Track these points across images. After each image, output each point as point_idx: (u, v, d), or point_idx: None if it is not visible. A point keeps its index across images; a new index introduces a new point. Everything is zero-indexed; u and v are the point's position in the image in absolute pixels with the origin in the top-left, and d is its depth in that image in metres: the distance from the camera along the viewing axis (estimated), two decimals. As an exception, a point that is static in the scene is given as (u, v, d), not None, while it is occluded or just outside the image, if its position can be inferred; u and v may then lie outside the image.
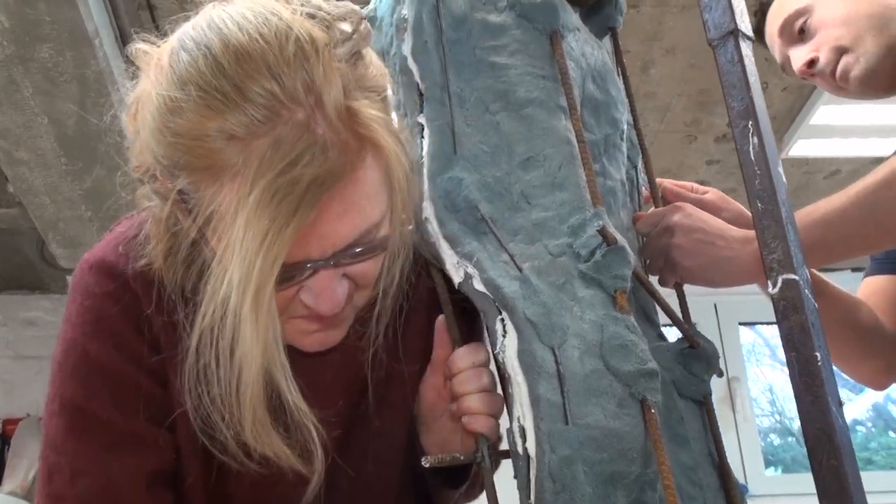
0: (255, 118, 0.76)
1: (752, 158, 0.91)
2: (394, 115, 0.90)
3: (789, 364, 0.83)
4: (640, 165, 1.21)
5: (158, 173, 0.85)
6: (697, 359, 1.04)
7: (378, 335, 0.99)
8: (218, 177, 0.78)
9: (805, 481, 3.96)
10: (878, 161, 3.89)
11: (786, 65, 1.54)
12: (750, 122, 0.92)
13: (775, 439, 5.03)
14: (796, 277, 0.85)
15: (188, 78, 0.79)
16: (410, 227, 0.93)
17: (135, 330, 0.93)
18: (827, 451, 0.78)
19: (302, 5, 0.82)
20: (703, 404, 1.06)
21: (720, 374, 1.07)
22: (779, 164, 0.91)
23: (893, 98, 1.50)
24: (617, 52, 1.22)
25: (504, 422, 0.92)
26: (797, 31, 1.51)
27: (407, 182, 0.88)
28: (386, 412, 1.05)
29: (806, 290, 0.84)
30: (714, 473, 1.02)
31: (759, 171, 0.90)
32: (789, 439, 5.10)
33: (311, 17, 0.82)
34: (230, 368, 0.82)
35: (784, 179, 0.91)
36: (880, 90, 1.47)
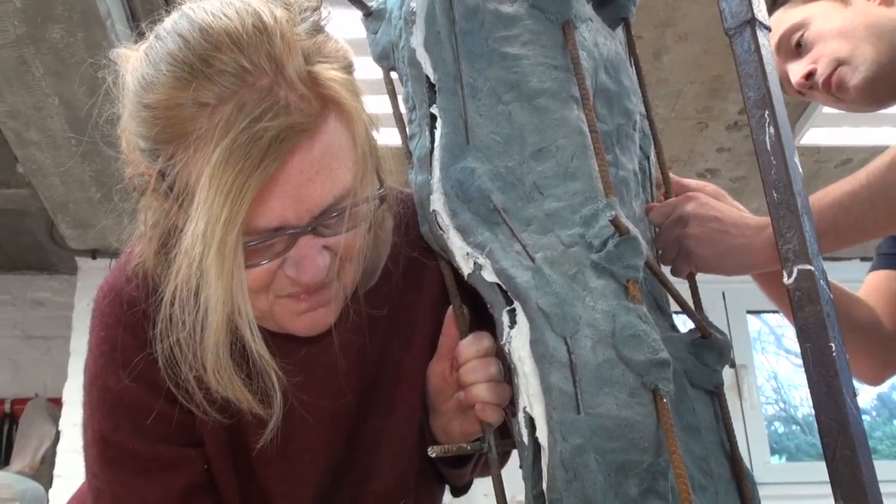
0: (222, 85, 0.81)
1: (768, 148, 0.90)
2: (358, 85, 0.93)
3: (804, 354, 0.83)
4: (652, 156, 1.20)
5: (142, 161, 0.89)
6: (710, 349, 1.04)
7: (382, 318, 1.01)
8: (190, 144, 0.82)
9: (809, 469, 4.00)
10: (890, 150, 3.87)
11: (783, 81, 1.52)
12: (766, 112, 0.91)
13: (779, 427, 5.05)
14: (812, 268, 0.85)
15: (160, 58, 0.85)
16: (384, 197, 0.95)
17: (149, 354, 0.94)
18: (841, 441, 0.78)
19: None
20: (715, 394, 1.06)
21: (732, 365, 1.07)
22: (795, 155, 0.91)
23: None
24: (630, 43, 1.22)
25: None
26: (794, 46, 1.51)
27: (372, 145, 0.92)
28: (401, 394, 1.06)
29: (821, 281, 0.84)
30: (726, 463, 1.03)
31: (774, 162, 0.89)
32: (794, 427, 5.11)
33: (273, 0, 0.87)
34: (195, 315, 0.85)
35: (800, 170, 0.91)
36: (879, 100, 1.47)
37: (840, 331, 0.83)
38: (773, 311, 4.98)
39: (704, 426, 1.02)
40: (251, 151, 0.79)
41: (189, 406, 0.93)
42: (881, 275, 1.50)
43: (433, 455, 0.90)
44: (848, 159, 3.95)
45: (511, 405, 0.91)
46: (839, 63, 1.44)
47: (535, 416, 0.82)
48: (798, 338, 0.84)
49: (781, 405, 5.19)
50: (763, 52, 0.95)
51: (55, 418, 4.16)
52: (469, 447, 0.91)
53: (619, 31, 1.24)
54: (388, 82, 1.07)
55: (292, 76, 0.83)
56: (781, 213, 0.88)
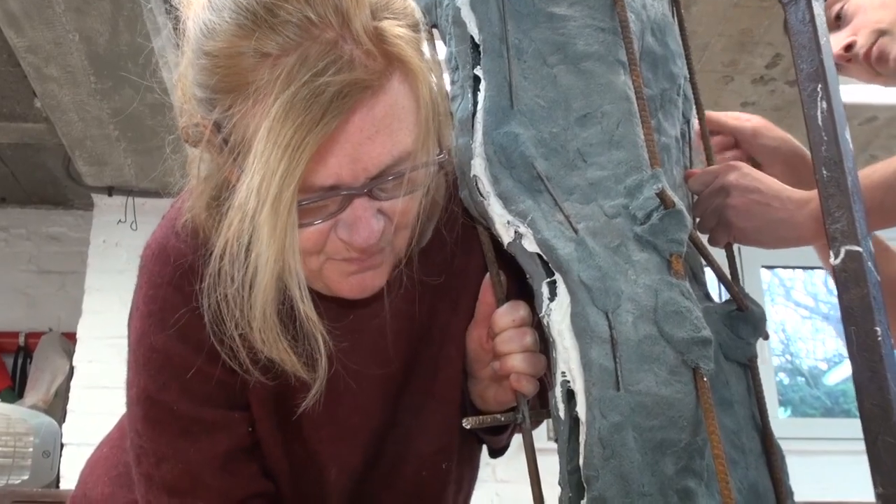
0: (287, 37, 0.79)
1: (820, 124, 0.88)
2: (425, 45, 0.90)
3: (847, 338, 0.82)
4: (693, 120, 1.18)
5: (197, 111, 0.87)
6: (745, 322, 1.03)
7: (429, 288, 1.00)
8: (249, 95, 0.80)
9: (815, 426, 4.00)
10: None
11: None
12: (819, 86, 0.89)
13: (785, 379, 5.06)
14: (860, 249, 0.83)
15: (223, 5, 0.82)
16: (442, 163, 0.93)
17: (198, 315, 0.93)
18: (883, 427, 0.77)
19: None
20: (749, 367, 1.05)
21: (766, 338, 1.06)
22: (847, 131, 0.89)
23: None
24: (676, 3, 1.18)
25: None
26: (834, 18, 1.46)
27: (437, 109, 0.89)
28: (446, 356, 1.06)
29: (869, 263, 0.82)
30: (756, 437, 1.02)
31: (826, 138, 0.87)
32: (799, 379, 5.13)
33: None
34: (245, 271, 0.84)
35: (851, 146, 0.88)
36: None
37: (886, 314, 0.82)
38: (788, 267, 4.98)
39: (737, 400, 1.02)
40: (312, 106, 0.77)
41: (231, 364, 0.92)
42: None
43: (468, 426, 0.90)
44: (874, 117, 3.90)
45: (547, 377, 0.91)
46: (880, 34, 1.40)
47: (576, 391, 0.81)
48: (843, 320, 0.83)
49: (788, 357, 5.21)
50: (818, 22, 0.92)
51: (69, 353, 4.19)
52: (503, 418, 0.91)
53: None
54: (430, 40, 1.05)
55: (358, 31, 0.80)
56: (831, 192, 0.86)
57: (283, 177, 0.78)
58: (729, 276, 1.05)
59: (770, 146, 1.24)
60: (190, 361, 0.95)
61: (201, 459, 0.97)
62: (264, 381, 0.93)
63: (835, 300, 5.34)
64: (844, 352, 5.48)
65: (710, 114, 1.24)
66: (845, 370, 5.36)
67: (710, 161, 1.17)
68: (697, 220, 1.14)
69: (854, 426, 4.59)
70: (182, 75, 0.89)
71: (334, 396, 0.97)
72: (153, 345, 0.96)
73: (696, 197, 1.14)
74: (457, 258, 1.04)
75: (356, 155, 0.81)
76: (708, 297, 1.09)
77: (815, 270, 5.09)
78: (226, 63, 0.81)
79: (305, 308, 0.84)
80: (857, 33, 1.44)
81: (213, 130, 0.85)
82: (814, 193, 1.08)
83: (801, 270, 5.13)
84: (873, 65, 1.43)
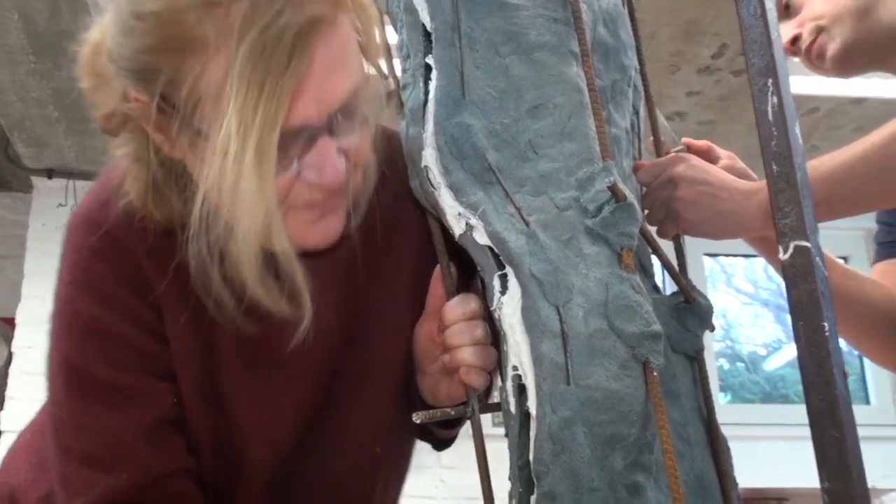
0: None
1: (770, 119, 0.88)
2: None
3: (795, 333, 0.82)
4: (641, 111, 1.18)
5: (131, 90, 0.84)
6: (692, 314, 1.03)
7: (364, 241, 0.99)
8: (201, 54, 0.77)
9: (754, 412, 4.06)
10: (858, 101, 3.89)
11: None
12: (770, 81, 0.89)
13: (725, 364, 5.15)
14: (808, 245, 0.83)
15: None
16: (389, 93, 0.94)
17: (124, 283, 0.92)
18: (830, 422, 0.78)
19: None
20: (695, 359, 1.05)
21: (712, 329, 1.06)
22: (797, 126, 0.89)
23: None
24: (628, -8, 1.18)
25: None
26: (783, 6, 1.48)
27: (380, 38, 0.90)
28: (379, 340, 1.05)
29: (817, 259, 0.83)
30: (702, 429, 1.03)
31: (776, 133, 0.87)
32: (738, 364, 5.22)
33: None
34: (231, 217, 0.82)
35: (801, 142, 0.89)
36: (852, 69, 1.45)
37: (833, 310, 0.83)
38: (730, 255, 5.06)
39: (684, 392, 1.02)
40: (277, 50, 0.76)
41: (210, 315, 0.90)
42: (889, 262, 1.50)
43: (418, 421, 0.89)
44: (815, 108, 3.95)
45: (498, 370, 0.90)
46: (821, 30, 1.42)
47: (527, 386, 0.80)
48: (791, 315, 0.83)
49: (728, 342, 5.30)
50: (769, 16, 0.92)
51: (7, 338, 4.10)
52: (453, 412, 0.90)
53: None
54: (381, 26, 1.03)
55: None
56: (780, 187, 0.86)
57: (264, 123, 0.76)
58: (677, 268, 1.06)
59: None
60: (114, 328, 0.93)
61: (123, 430, 0.93)
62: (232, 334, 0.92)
63: (774, 287, 5.46)
64: (783, 338, 5.61)
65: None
66: (784, 356, 5.46)
67: (658, 153, 1.17)
68: (646, 211, 1.14)
69: (792, 412, 4.69)
70: (100, 53, 0.86)
71: (265, 372, 0.95)
72: (77, 311, 0.93)
73: (644, 189, 1.14)
74: (391, 233, 1.03)
75: (320, 94, 0.81)
76: (656, 289, 1.09)
77: (756, 258, 5.17)
78: (169, 20, 0.78)
79: (284, 247, 0.84)
80: (802, 26, 1.45)
81: (156, 102, 0.82)
82: (761, 185, 1.09)
83: (741, 258, 5.22)
84: (812, 61, 1.45)
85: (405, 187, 0.99)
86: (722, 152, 1.29)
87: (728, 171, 1.26)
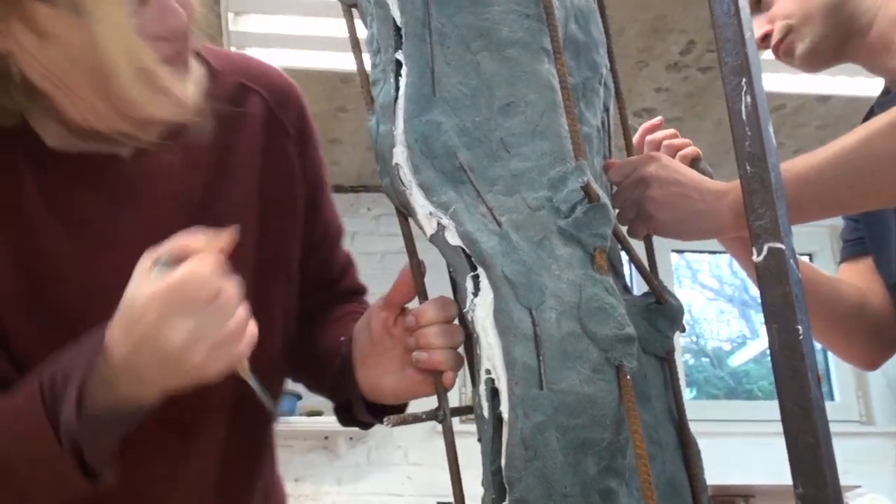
0: None
1: (744, 118, 0.87)
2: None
3: (770, 336, 0.81)
4: (612, 109, 1.17)
5: None
6: (663, 315, 1.02)
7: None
8: None
9: (719, 408, 4.09)
10: (823, 98, 3.92)
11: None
12: (744, 80, 0.88)
13: (690, 359, 5.18)
14: (782, 246, 0.82)
15: None
16: None
17: None
18: (804, 427, 0.77)
19: None
20: (666, 360, 1.04)
21: (683, 330, 1.06)
22: (770, 125, 0.88)
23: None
24: (599, -13, 1.17)
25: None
26: (755, 1, 1.48)
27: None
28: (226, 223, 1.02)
29: (791, 261, 0.82)
30: (673, 431, 1.02)
31: (750, 133, 0.86)
32: (703, 360, 5.26)
33: None
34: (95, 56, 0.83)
35: (774, 142, 0.88)
36: (819, 66, 1.47)
37: (807, 313, 0.82)
38: (697, 251, 5.10)
39: (654, 394, 1.01)
40: None
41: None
42: (855, 260, 1.51)
43: (389, 426, 0.87)
44: (782, 105, 3.98)
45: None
46: (790, 29, 1.43)
47: (500, 389, 0.79)
48: (765, 318, 0.82)
49: (693, 338, 5.34)
50: (743, 15, 0.91)
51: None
52: (425, 416, 0.88)
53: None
54: (349, 20, 1.01)
55: None
56: (754, 188, 0.86)
57: None
58: (648, 268, 1.05)
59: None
60: None
61: None
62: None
63: (738, 282, 5.50)
64: (748, 333, 5.66)
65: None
66: (749, 352, 5.51)
67: (629, 151, 1.16)
68: (617, 211, 1.13)
69: (758, 408, 4.72)
70: None
71: (98, 282, 0.93)
72: None
73: (615, 187, 1.13)
74: (231, 133, 1.04)
75: None
76: (626, 289, 1.08)
77: (722, 254, 5.21)
78: None
79: (154, 65, 0.86)
80: (772, 23, 1.46)
81: None
82: (732, 185, 1.08)
83: (707, 254, 5.26)
84: (781, 57, 1.46)
85: (241, 90, 1.02)
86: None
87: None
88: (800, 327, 0.80)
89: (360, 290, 1.30)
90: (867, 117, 1.50)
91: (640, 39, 3.44)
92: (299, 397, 3.97)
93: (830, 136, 4.13)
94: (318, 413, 3.99)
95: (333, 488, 4.14)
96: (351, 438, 4.21)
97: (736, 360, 5.53)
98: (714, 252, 5.15)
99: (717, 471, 3.72)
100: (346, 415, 1.11)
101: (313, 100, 3.83)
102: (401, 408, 1.07)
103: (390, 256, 4.56)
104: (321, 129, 4.59)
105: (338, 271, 1.26)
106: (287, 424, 3.90)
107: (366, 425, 1.12)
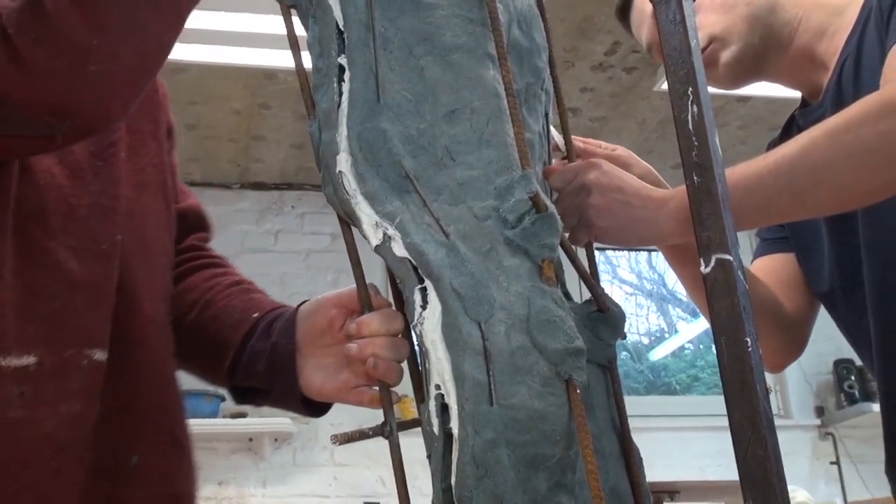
0: None
1: (691, 128, 0.87)
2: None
3: (718, 348, 0.81)
4: (551, 114, 1.16)
5: None
6: (606, 323, 1.02)
7: None
8: None
9: (639, 404, 4.14)
10: (744, 99, 3.98)
11: (653, 47, 1.49)
12: (690, 90, 0.88)
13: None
14: (730, 258, 0.83)
15: None
16: None
17: None
18: (753, 440, 0.77)
19: None
20: (608, 369, 1.04)
21: (624, 337, 1.05)
22: (716, 135, 0.88)
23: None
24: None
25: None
26: None
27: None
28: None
29: (739, 272, 0.82)
30: (616, 440, 1.01)
31: (696, 143, 0.86)
32: (623, 354, 5.34)
33: None
34: None
35: (720, 152, 0.88)
36: (741, 81, 1.46)
37: (755, 324, 0.82)
38: (616, 249, 5.18)
39: (598, 403, 1.00)
40: None
41: None
42: (770, 259, 1.51)
43: (336, 444, 0.85)
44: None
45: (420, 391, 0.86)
46: (713, 39, 1.42)
47: (450, 405, 0.77)
48: (713, 329, 0.82)
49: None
50: (688, 23, 0.91)
51: None
52: (371, 432, 0.86)
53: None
54: (288, 20, 0.97)
55: None
56: (701, 199, 0.86)
57: None
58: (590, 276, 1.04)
59: (635, 175, 1.25)
60: None
61: None
62: None
63: (656, 277, 5.60)
64: (665, 327, 5.76)
65: (578, 142, 1.22)
66: (668, 347, 5.62)
67: (570, 158, 1.16)
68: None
69: (679, 403, 4.79)
70: None
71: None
72: None
73: (556, 193, 1.12)
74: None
75: None
76: (568, 296, 1.08)
77: (639, 250, 5.31)
78: None
79: None
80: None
81: None
82: (674, 192, 1.08)
83: (626, 250, 5.35)
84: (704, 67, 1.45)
85: None
86: (640, 164, 1.29)
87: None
88: (748, 339, 0.80)
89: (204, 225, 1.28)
90: (787, 125, 1.52)
91: (567, 39, 3.46)
92: (223, 399, 3.91)
93: (750, 136, 4.24)
94: (243, 415, 3.93)
95: (259, 490, 4.08)
96: (276, 440, 4.16)
97: (656, 356, 5.63)
98: (633, 249, 5.23)
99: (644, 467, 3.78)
100: (247, 392, 1.10)
101: (237, 96, 3.78)
102: (324, 405, 1.07)
103: (315, 255, 4.51)
104: (245, 125, 4.53)
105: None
106: (210, 426, 3.83)
107: (260, 402, 1.11)
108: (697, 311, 5.58)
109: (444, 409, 0.79)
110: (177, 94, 3.71)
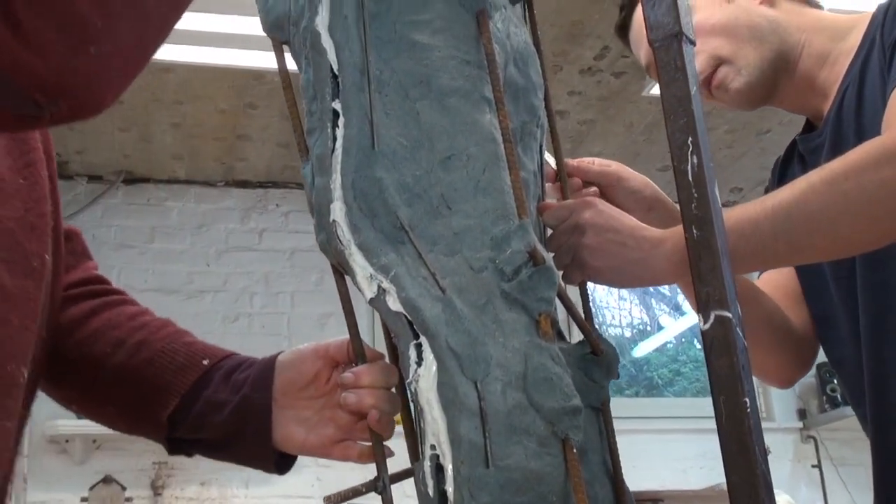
0: None
1: (690, 179, 0.86)
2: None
3: (716, 407, 0.80)
4: (544, 146, 1.14)
5: None
6: (599, 365, 1.00)
7: None
8: None
9: (631, 405, 4.14)
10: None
11: (651, 67, 1.47)
12: (690, 139, 0.87)
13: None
14: (729, 315, 0.81)
15: None
16: None
17: None
18: (751, 503, 0.76)
19: None
20: (601, 410, 1.03)
21: (617, 377, 1.04)
22: (716, 186, 0.87)
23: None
24: (532, 25, 1.13)
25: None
26: None
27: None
28: None
29: (738, 329, 0.81)
30: (609, 484, 1.00)
31: (696, 195, 0.85)
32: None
33: None
34: None
35: (720, 204, 0.87)
36: (753, 104, 1.44)
37: (752, 382, 0.81)
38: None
39: (590, 447, 0.99)
40: None
41: None
42: (777, 273, 1.49)
43: None
44: (690, 111, 4.04)
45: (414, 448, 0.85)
46: (720, 62, 1.40)
47: (445, 467, 0.76)
48: (711, 388, 0.81)
49: (596, 325, 5.46)
50: (689, 69, 0.90)
51: None
52: (364, 489, 0.85)
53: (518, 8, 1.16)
54: (280, 59, 0.96)
55: None
56: (702, 252, 0.84)
57: None
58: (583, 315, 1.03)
59: (632, 189, 1.23)
60: None
61: None
62: None
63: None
64: (647, 320, 5.78)
65: (571, 162, 1.21)
66: (651, 344, 5.65)
67: (565, 195, 1.14)
68: (551, 255, 1.11)
69: (666, 405, 4.79)
70: None
71: None
72: None
73: (549, 230, 1.11)
74: None
75: None
76: (560, 335, 1.06)
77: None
78: None
79: None
80: (696, 55, 1.43)
81: None
82: (669, 233, 1.07)
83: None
84: (713, 91, 1.42)
85: None
86: (636, 177, 1.27)
87: (639, 198, 1.25)
88: (746, 399, 0.79)
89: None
90: (790, 150, 1.50)
91: (556, 43, 3.44)
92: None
93: (737, 140, 4.23)
94: (225, 415, 3.90)
95: (241, 491, 4.06)
96: (258, 440, 4.13)
97: (640, 352, 5.66)
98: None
99: (627, 472, 3.79)
100: (191, 444, 1.03)
101: (224, 96, 3.75)
102: (289, 462, 1.03)
103: (299, 254, 4.49)
104: (230, 125, 4.50)
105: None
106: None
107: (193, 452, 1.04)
108: (681, 306, 5.61)
109: (439, 468, 0.77)
110: (163, 93, 3.68)
